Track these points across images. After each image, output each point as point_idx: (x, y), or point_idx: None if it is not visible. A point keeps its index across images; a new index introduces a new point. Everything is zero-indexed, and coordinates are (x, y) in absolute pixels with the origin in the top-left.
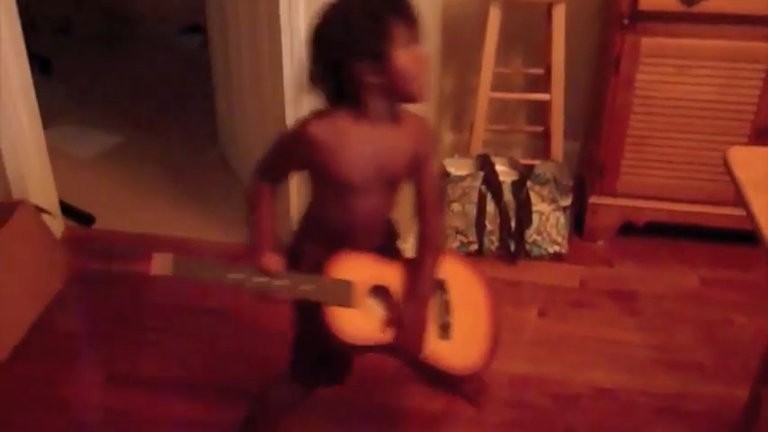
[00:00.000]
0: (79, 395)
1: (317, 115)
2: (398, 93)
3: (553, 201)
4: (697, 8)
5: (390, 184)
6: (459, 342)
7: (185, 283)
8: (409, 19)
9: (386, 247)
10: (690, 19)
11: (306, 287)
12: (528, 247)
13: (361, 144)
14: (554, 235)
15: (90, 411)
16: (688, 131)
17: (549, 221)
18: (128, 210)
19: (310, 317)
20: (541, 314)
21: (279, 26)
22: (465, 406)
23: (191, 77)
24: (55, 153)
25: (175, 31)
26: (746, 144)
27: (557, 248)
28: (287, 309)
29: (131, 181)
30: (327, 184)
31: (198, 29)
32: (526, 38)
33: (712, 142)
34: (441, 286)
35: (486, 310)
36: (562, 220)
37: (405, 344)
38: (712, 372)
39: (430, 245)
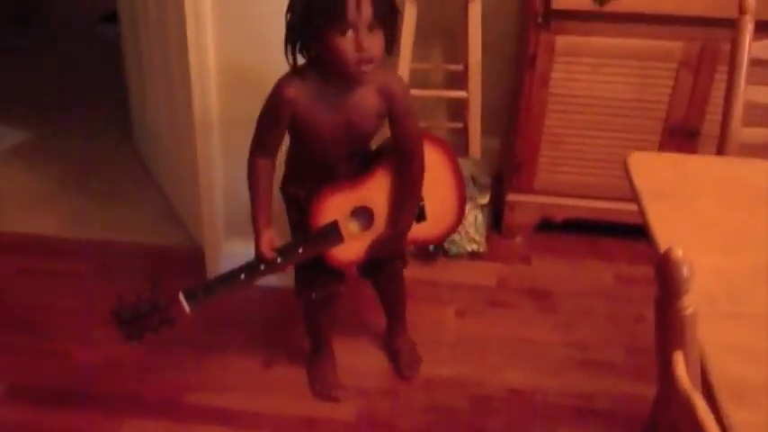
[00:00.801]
0: None
1: (290, 75)
2: (335, 71)
3: (471, 199)
4: (609, 7)
5: (362, 138)
6: (433, 218)
7: None
8: (358, 8)
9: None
10: (603, 18)
11: (302, 250)
12: (446, 245)
13: (329, 103)
14: (472, 233)
15: None
16: (603, 129)
17: (467, 220)
18: (34, 211)
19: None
20: (459, 314)
21: (184, 13)
22: (378, 410)
23: (107, 69)
24: None
25: (94, 20)
26: (659, 142)
27: (474, 247)
28: None
29: (38, 180)
30: (303, 137)
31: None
32: (446, 33)
33: (626, 140)
34: None
35: (450, 175)
36: (480, 218)
37: (386, 254)
38: (624, 369)
39: (411, 188)
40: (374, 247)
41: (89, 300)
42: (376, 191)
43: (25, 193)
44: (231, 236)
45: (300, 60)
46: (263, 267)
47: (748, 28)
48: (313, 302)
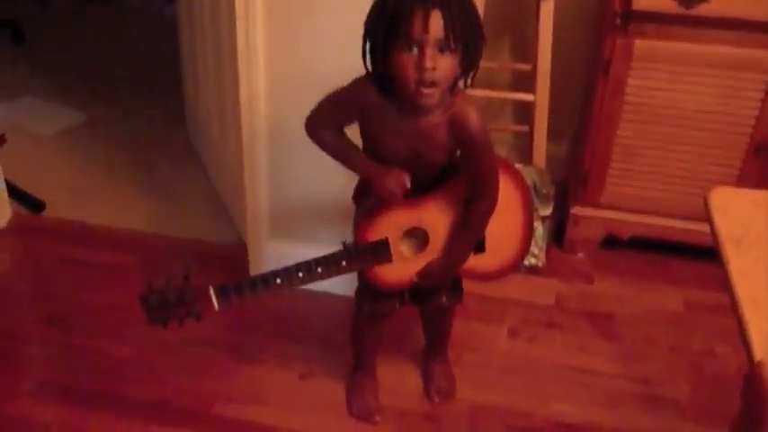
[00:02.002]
0: None
1: (369, 78)
2: (400, 92)
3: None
4: (696, 10)
5: (430, 169)
6: (493, 251)
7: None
8: (425, 24)
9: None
10: (687, 22)
11: (345, 263)
12: None
13: (397, 126)
14: (531, 246)
15: None
16: (680, 143)
17: None
18: (83, 197)
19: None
20: (511, 334)
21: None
22: None
23: (167, 52)
24: (13, 129)
25: (160, 1)
26: (742, 160)
27: (533, 261)
28: None
29: (90, 165)
30: (370, 150)
31: None
32: (516, 30)
33: (706, 155)
34: None
35: (519, 210)
36: (540, 230)
37: (435, 283)
38: (688, 408)
39: (476, 224)
40: (423, 274)
41: (130, 295)
42: (435, 214)
43: (75, 178)
44: (275, 236)
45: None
46: (300, 275)
47: None
48: (366, 314)
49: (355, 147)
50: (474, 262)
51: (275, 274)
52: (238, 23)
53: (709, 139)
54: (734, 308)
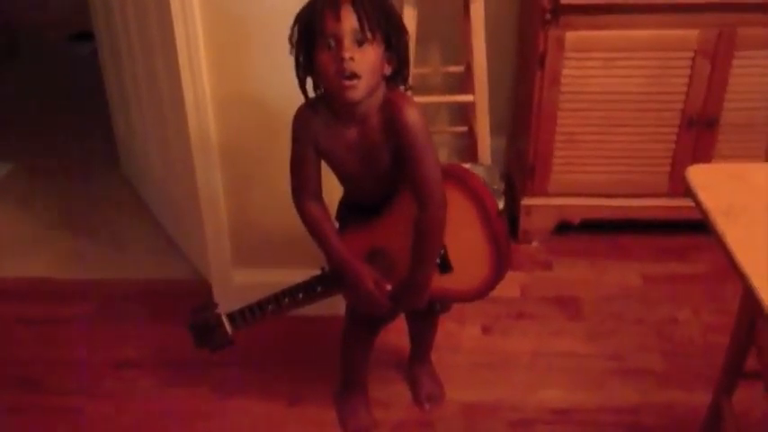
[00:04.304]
0: None
1: (301, 108)
2: (327, 91)
3: None
4: None
5: (386, 176)
6: (462, 269)
7: None
8: (337, 18)
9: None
10: (614, 10)
11: (320, 289)
12: None
13: (342, 137)
14: None
15: None
16: (618, 125)
17: None
18: (25, 252)
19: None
20: (486, 331)
21: (171, 21)
22: None
23: (85, 88)
24: None
25: (65, 39)
26: (677, 134)
27: None
28: None
29: (25, 218)
30: (335, 173)
31: (90, 35)
32: (443, 35)
33: (643, 134)
34: None
35: (480, 222)
36: None
37: (409, 308)
38: (664, 377)
39: (428, 236)
40: (394, 299)
41: (94, 347)
42: (391, 233)
43: (13, 232)
44: (239, 265)
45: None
46: (300, 296)
47: None
48: (360, 325)
49: (333, 231)
50: (445, 282)
51: (276, 295)
52: (179, 45)
53: (645, 118)
54: (739, 276)
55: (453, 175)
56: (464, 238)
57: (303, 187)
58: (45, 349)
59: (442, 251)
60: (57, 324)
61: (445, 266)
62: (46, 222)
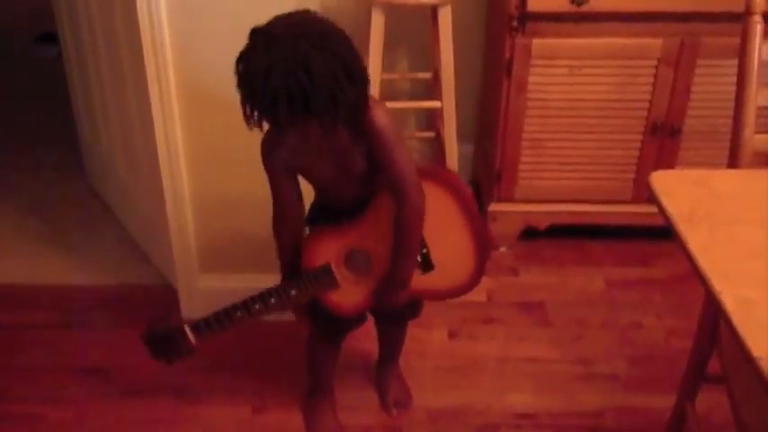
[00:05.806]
0: None
1: (268, 131)
2: None
3: None
4: (587, 7)
5: (361, 180)
6: (444, 267)
7: None
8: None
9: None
10: (580, 18)
11: (294, 292)
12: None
13: (312, 147)
14: None
15: None
16: (584, 132)
17: None
18: None
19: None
20: (452, 335)
21: (137, 20)
22: None
23: (49, 93)
24: None
25: (29, 41)
26: (641, 141)
27: None
28: None
29: None
30: (311, 184)
31: (55, 37)
32: (411, 41)
33: (608, 141)
34: None
35: (463, 220)
36: None
37: (390, 307)
38: (628, 382)
39: (406, 234)
40: (375, 299)
41: (55, 353)
42: (369, 233)
43: None
44: (205, 270)
45: None
46: (272, 301)
47: (758, 29)
48: (324, 332)
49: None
50: (427, 281)
51: (252, 300)
52: (145, 46)
53: (610, 125)
54: (702, 280)
55: (431, 174)
56: (444, 234)
57: (282, 215)
58: (7, 356)
59: (425, 250)
60: (19, 330)
61: (427, 265)
62: (9, 228)
